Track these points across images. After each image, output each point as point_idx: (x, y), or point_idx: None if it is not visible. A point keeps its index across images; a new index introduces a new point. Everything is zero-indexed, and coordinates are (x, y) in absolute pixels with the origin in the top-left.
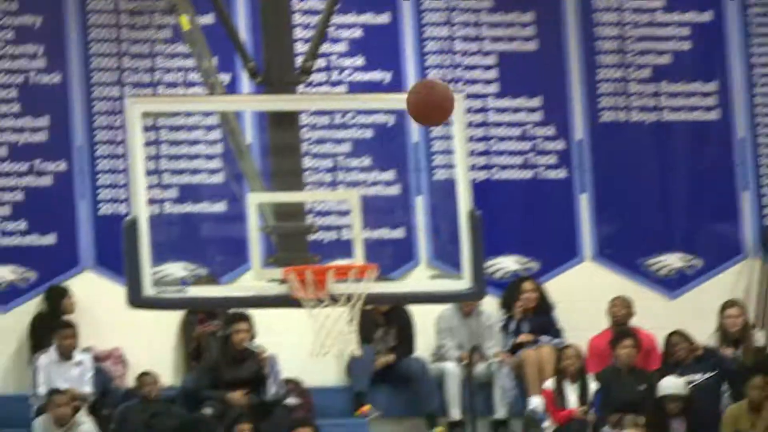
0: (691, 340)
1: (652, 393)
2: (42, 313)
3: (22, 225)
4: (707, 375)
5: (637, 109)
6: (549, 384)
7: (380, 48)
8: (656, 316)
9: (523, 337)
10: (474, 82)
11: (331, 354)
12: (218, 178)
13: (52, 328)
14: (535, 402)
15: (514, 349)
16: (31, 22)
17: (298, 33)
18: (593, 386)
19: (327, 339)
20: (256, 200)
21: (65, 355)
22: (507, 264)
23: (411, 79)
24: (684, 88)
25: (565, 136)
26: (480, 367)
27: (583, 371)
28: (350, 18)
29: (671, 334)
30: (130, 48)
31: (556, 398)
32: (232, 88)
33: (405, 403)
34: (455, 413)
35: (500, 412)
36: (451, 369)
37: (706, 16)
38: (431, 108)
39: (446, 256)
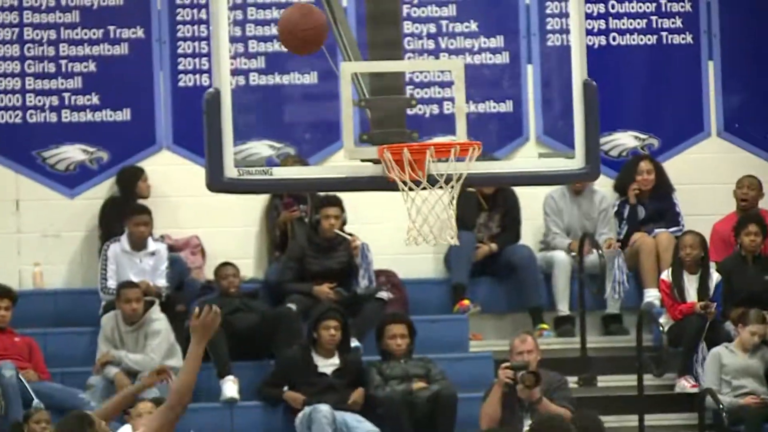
0: None
1: None
2: (114, 197)
3: (93, 99)
4: None
5: None
6: (666, 275)
7: None
8: None
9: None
10: None
11: (428, 243)
12: None
13: (124, 214)
14: (651, 295)
15: (629, 236)
16: None
17: None
18: (715, 278)
19: (424, 226)
20: (349, 70)
21: (138, 244)
22: (624, 140)
23: None
24: None
25: None
26: (591, 257)
27: (704, 261)
28: None
29: None
30: None
31: (674, 290)
32: None
33: (508, 297)
34: (563, 308)
35: (612, 307)
36: (561, 258)
37: None
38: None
39: (557, 132)
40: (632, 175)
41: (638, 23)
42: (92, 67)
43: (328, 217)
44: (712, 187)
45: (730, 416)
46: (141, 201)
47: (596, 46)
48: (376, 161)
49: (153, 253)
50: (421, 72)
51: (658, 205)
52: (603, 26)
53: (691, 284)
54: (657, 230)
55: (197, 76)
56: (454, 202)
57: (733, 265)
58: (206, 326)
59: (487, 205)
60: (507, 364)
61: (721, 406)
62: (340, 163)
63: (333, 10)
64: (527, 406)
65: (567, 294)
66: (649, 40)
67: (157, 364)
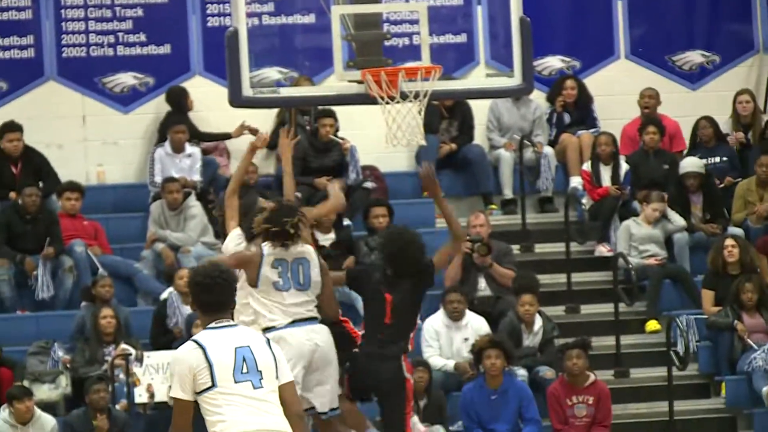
0: (713, 124)
1: (675, 171)
2: (169, 112)
3: (141, 37)
4: (722, 158)
5: None
6: (586, 166)
7: None
8: (680, 105)
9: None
10: None
11: (402, 144)
12: None
13: (168, 126)
14: (575, 181)
15: (558, 137)
16: None
17: None
18: (624, 167)
19: (398, 131)
20: (339, 11)
21: (177, 148)
22: (553, 63)
23: None
24: None
25: None
26: (528, 153)
27: (615, 155)
28: None
29: (700, 119)
30: None
31: (593, 177)
32: None
33: (464, 185)
34: (508, 192)
35: (545, 191)
36: (505, 155)
37: None
38: None
39: (501, 57)
40: (560, 90)
41: None
42: (140, 12)
43: (324, 125)
44: (621, 98)
45: (638, 274)
46: (189, 113)
47: None
48: (360, 82)
49: (189, 155)
50: (395, 12)
51: (580, 113)
52: None
53: (606, 173)
54: (579, 132)
55: (221, 18)
56: (422, 112)
57: (638, 157)
58: (285, 145)
59: (448, 114)
60: (467, 238)
61: (630, 266)
62: (332, 83)
63: None
64: (481, 268)
65: (511, 182)
66: None
67: (194, 239)
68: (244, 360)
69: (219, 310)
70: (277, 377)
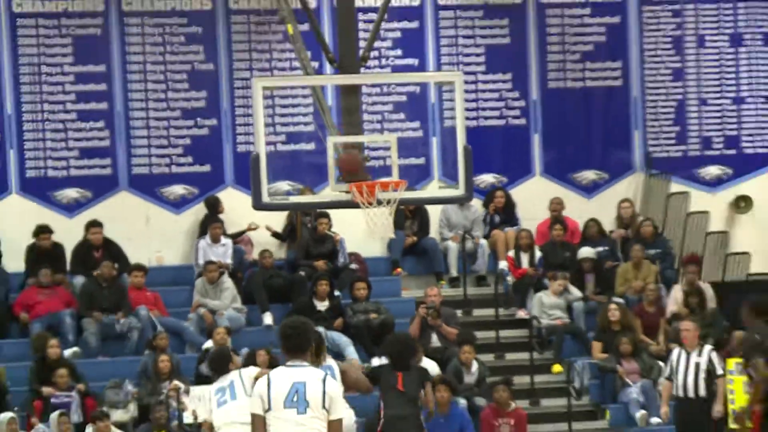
0: (600, 224)
1: (574, 257)
2: (204, 215)
3: (189, 158)
4: (607, 247)
5: (570, 79)
6: (511, 253)
7: (411, 43)
8: (579, 209)
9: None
10: (468, 64)
11: (377, 236)
12: (310, 128)
13: (208, 224)
14: (503, 264)
15: (490, 232)
16: (195, 31)
17: (360, 35)
18: (538, 254)
19: (375, 227)
20: (332, 141)
21: (215, 239)
22: (487, 178)
23: (431, 64)
24: (600, 65)
25: (525, 98)
26: (469, 243)
27: (532, 245)
28: (393, 24)
29: (589, 221)
30: (256, 47)
31: (515, 261)
32: (319, 71)
33: (422, 266)
34: (453, 272)
35: (481, 271)
36: (452, 246)
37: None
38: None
39: (450, 175)
40: (492, 198)
41: (494, 113)
42: (188, 140)
43: (321, 223)
44: (536, 204)
45: (547, 331)
46: (219, 215)
47: (471, 126)
48: (347, 192)
49: (224, 245)
50: (373, 141)
51: (506, 215)
52: (475, 115)
53: (525, 258)
54: (506, 228)
55: (247, 145)
56: (392, 214)
57: (548, 247)
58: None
59: (410, 215)
60: (423, 305)
61: (541, 326)
62: (327, 193)
63: (322, 105)
64: (434, 327)
65: (456, 264)
66: (500, 123)
67: (227, 305)
68: (296, 392)
69: (295, 353)
70: (324, 408)
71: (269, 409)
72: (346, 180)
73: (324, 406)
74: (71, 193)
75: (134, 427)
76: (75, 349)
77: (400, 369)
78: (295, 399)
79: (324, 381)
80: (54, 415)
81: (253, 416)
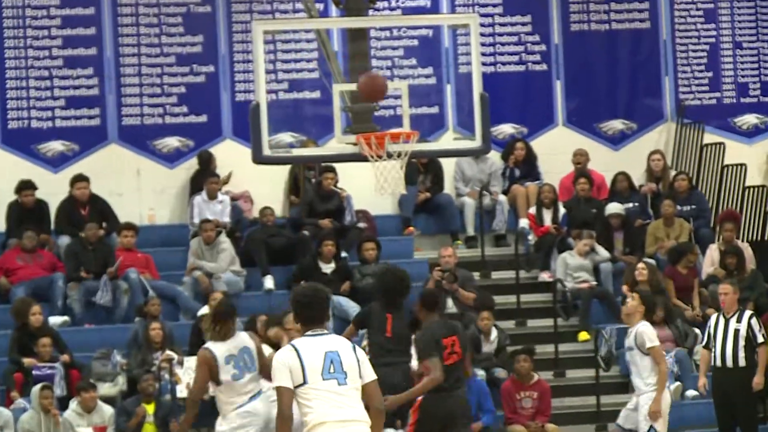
0: (629, 178)
1: (601, 214)
2: (196, 170)
3: (183, 108)
4: (636, 203)
5: (594, 21)
6: (532, 210)
7: None
8: (605, 162)
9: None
10: (484, 5)
11: (387, 193)
12: (315, 75)
13: (203, 178)
14: (523, 222)
15: (510, 187)
16: None
17: None
18: (562, 211)
19: (385, 183)
20: (338, 89)
21: (211, 196)
22: (505, 129)
23: (444, 5)
24: (626, 6)
25: (546, 41)
26: (486, 200)
27: (555, 201)
28: None
29: (616, 174)
30: None
31: (537, 219)
32: (324, 13)
33: (436, 225)
34: (470, 231)
35: (500, 230)
36: (468, 201)
37: None
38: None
39: (465, 125)
40: (511, 150)
41: (513, 58)
42: (183, 89)
43: (326, 178)
44: (559, 156)
45: (572, 295)
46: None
47: (488, 72)
48: (354, 144)
49: (221, 202)
50: None
51: (527, 168)
52: (491, 60)
53: (547, 215)
54: (526, 183)
55: (247, 94)
56: (403, 168)
57: (573, 203)
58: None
59: (423, 169)
60: (438, 268)
61: (566, 289)
62: (333, 145)
63: (327, 50)
64: (449, 292)
65: (473, 222)
66: (520, 68)
67: (224, 268)
68: (331, 362)
69: (315, 322)
70: (360, 376)
71: (304, 382)
72: (353, 131)
73: (360, 375)
74: (56, 146)
75: (123, 400)
76: (65, 318)
77: (392, 307)
78: (332, 370)
79: (354, 349)
80: (36, 389)
81: (282, 390)
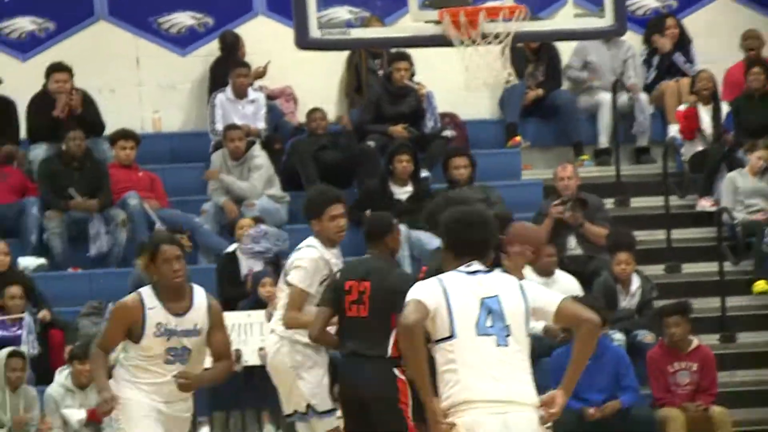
0: None
1: None
2: (219, 57)
3: None
4: None
5: None
6: (682, 107)
7: None
8: None
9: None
10: None
11: (483, 87)
12: None
13: (228, 69)
14: (674, 130)
15: (655, 81)
16: None
17: None
18: (725, 109)
19: (479, 73)
20: None
21: (240, 93)
22: (648, 2)
23: None
24: None
25: None
26: (622, 98)
27: (715, 95)
28: None
29: None
30: None
31: (691, 120)
32: None
33: (553, 134)
34: (603, 141)
35: (642, 140)
36: (605, 99)
37: None
38: None
39: None
40: (657, 30)
41: None
42: None
43: (398, 69)
44: (722, 39)
45: (744, 230)
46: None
47: None
48: (437, 22)
49: (253, 101)
50: None
51: (678, 56)
52: None
53: (706, 118)
54: (677, 78)
55: None
56: (507, 51)
57: (743, 101)
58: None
59: (533, 58)
60: (557, 201)
61: (735, 222)
62: (406, 24)
63: None
64: (573, 227)
65: (608, 129)
66: None
67: (259, 191)
68: (489, 312)
69: (473, 253)
70: (528, 334)
71: (452, 335)
72: (435, 4)
73: (527, 331)
74: (25, 24)
75: None
76: (42, 260)
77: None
78: (489, 323)
79: (522, 289)
80: (1, 355)
81: (413, 303)
